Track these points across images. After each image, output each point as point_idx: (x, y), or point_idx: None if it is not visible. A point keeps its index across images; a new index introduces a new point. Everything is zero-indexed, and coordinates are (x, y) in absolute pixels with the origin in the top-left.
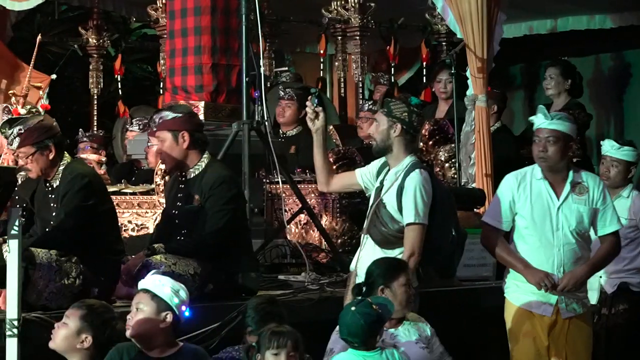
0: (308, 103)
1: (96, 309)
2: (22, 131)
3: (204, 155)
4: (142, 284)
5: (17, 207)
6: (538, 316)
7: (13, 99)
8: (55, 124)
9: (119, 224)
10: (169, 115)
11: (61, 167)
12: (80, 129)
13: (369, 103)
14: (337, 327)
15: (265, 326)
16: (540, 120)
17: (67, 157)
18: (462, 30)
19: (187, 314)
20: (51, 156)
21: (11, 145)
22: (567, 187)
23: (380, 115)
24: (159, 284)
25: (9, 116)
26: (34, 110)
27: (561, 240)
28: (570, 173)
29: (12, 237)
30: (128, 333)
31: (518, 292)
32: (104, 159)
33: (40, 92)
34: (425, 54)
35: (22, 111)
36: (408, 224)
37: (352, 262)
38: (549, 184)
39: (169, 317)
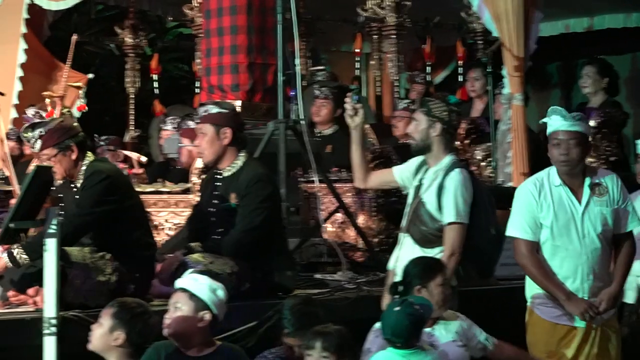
0: (347, 100)
1: (127, 304)
2: (43, 133)
3: (241, 154)
4: (179, 283)
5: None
6: (566, 328)
7: (48, 100)
8: (76, 124)
9: (156, 223)
10: (214, 109)
11: (83, 167)
12: (95, 134)
13: (405, 102)
14: (374, 326)
15: (303, 327)
16: (558, 122)
17: (89, 157)
18: (498, 28)
19: (224, 312)
20: (73, 156)
21: (34, 148)
22: (587, 190)
23: (420, 114)
24: (197, 283)
25: (39, 119)
26: (65, 111)
27: (589, 247)
28: (587, 175)
29: (50, 236)
30: (165, 332)
31: (544, 304)
32: (144, 158)
33: (80, 92)
34: (461, 53)
35: (58, 112)
36: (449, 224)
37: (390, 261)
38: (569, 189)
39: (207, 317)
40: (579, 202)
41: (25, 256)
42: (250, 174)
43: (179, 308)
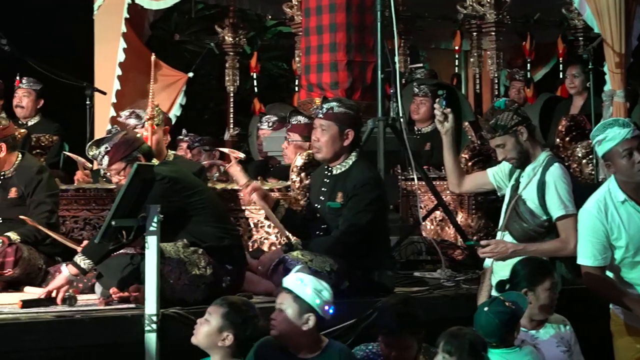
0: (436, 105)
1: (238, 307)
2: (109, 149)
3: (353, 154)
4: (285, 283)
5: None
6: None
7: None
8: (139, 135)
9: (255, 221)
10: (339, 108)
11: None
12: (184, 129)
13: (505, 100)
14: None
15: (401, 327)
16: (625, 131)
17: (154, 162)
18: (599, 25)
19: (331, 311)
20: None
21: (102, 164)
22: None
23: (497, 139)
24: (301, 285)
25: (136, 122)
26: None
27: None
28: None
29: (151, 234)
30: (272, 333)
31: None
32: (241, 155)
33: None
34: (562, 50)
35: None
36: (558, 218)
37: (486, 259)
38: (635, 202)
39: (311, 320)
40: None
41: (88, 261)
42: (359, 175)
43: (284, 310)
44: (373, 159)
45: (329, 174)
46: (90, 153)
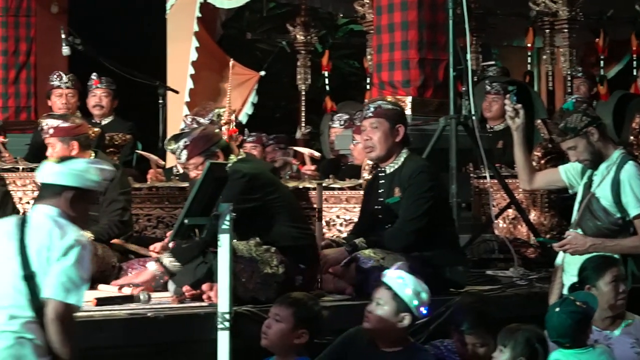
0: (507, 101)
1: (305, 303)
2: (188, 143)
3: (404, 151)
4: (386, 279)
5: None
6: None
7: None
8: (217, 130)
9: (327, 219)
10: (387, 105)
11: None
12: (246, 129)
13: (576, 97)
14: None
15: (478, 325)
16: None
17: (232, 158)
18: None
19: (424, 312)
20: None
21: (180, 158)
22: None
23: (569, 142)
24: (402, 284)
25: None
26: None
27: None
28: None
29: (223, 232)
30: (366, 325)
31: None
32: (317, 154)
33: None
34: (635, 46)
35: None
36: (636, 216)
37: (558, 257)
38: None
39: (407, 320)
40: None
41: (175, 261)
42: (412, 166)
43: (381, 306)
44: (445, 157)
45: (383, 174)
46: (169, 147)
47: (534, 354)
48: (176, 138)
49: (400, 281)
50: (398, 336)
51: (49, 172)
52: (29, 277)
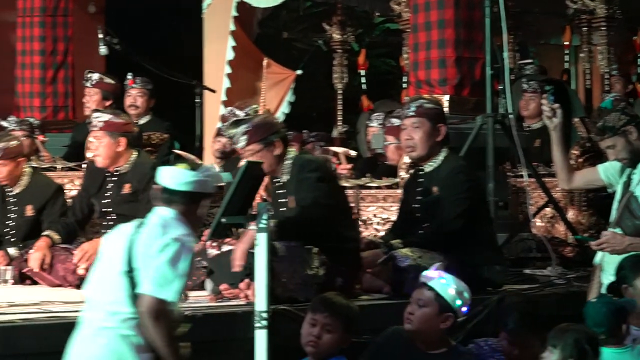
0: (544, 101)
1: (338, 303)
2: (249, 129)
3: (443, 150)
4: (427, 280)
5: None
6: None
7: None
8: (278, 120)
9: (364, 218)
10: (428, 104)
11: (287, 162)
12: (305, 130)
13: (614, 95)
14: None
15: (524, 325)
16: None
17: (292, 151)
18: None
19: (465, 311)
20: (277, 152)
21: (238, 144)
22: None
23: (607, 140)
24: (444, 285)
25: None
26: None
27: None
28: None
29: (261, 231)
30: (408, 327)
31: None
32: (353, 152)
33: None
34: None
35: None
36: None
37: (596, 256)
38: None
39: (449, 320)
40: None
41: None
42: (450, 166)
43: (423, 306)
44: (482, 156)
45: (422, 172)
46: (228, 132)
47: (583, 355)
48: (236, 123)
49: (443, 281)
50: (440, 337)
51: (183, 179)
52: (130, 273)
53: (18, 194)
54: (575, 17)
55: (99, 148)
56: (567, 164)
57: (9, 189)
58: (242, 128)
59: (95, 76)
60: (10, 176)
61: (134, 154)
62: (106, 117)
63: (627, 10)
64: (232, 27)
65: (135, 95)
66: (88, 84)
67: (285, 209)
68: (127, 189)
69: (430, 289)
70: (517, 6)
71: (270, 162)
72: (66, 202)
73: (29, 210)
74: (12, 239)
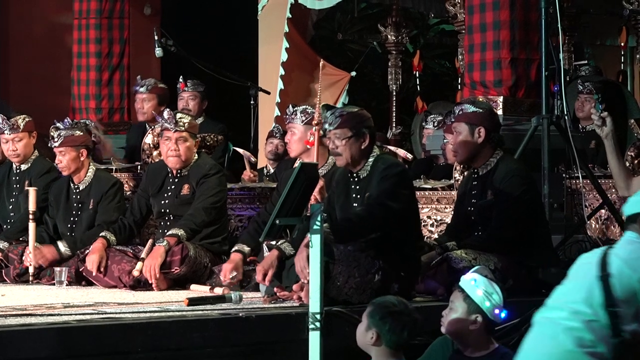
0: (593, 110)
1: (382, 304)
2: (344, 113)
3: (497, 152)
4: (461, 281)
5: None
6: None
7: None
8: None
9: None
10: (469, 108)
11: (371, 159)
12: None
13: None
14: None
15: None
16: None
17: (376, 150)
18: None
19: (502, 315)
20: (364, 145)
21: (329, 124)
22: None
23: None
24: (473, 286)
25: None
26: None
27: None
28: None
29: (315, 233)
30: (443, 329)
31: None
32: (409, 155)
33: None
34: None
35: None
36: None
37: None
38: None
39: (479, 320)
40: None
41: (291, 248)
42: (505, 169)
43: (454, 308)
44: (537, 157)
45: (476, 175)
46: (323, 112)
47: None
48: (328, 107)
49: (473, 283)
50: (476, 339)
51: None
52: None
53: (82, 191)
54: (632, 18)
55: (177, 149)
56: (624, 171)
57: (75, 186)
58: (338, 111)
59: (151, 81)
60: (71, 166)
61: (196, 157)
62: (187, 119)
63: None
64: (286, 28)
65: (187, 99)
66: (143, 90)
67: (356, 204)
68: (186, 190)
69: (461, 290)
70: (573, 7)
71: (354, 153)
72: (124, 200)
73: (91, 205)
74: (72, 234)
